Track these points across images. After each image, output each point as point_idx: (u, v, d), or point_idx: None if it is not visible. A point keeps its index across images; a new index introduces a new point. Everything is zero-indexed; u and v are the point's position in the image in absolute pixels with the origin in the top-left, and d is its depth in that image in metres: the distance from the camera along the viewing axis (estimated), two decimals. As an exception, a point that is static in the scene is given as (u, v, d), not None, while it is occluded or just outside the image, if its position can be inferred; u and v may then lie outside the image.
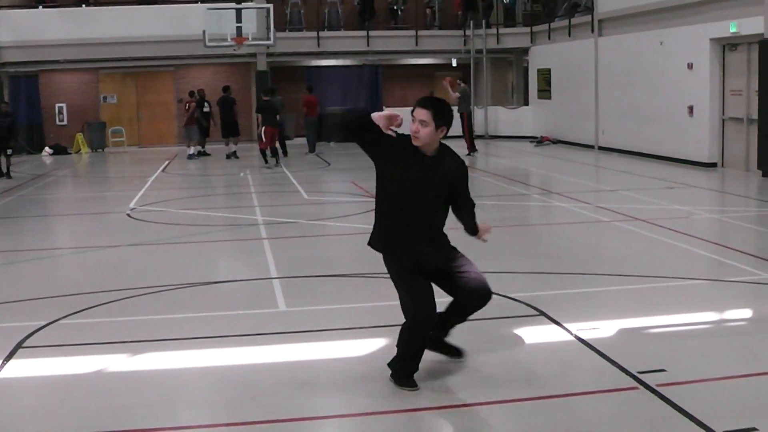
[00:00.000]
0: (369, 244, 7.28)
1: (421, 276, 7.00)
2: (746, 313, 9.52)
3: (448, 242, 7.18)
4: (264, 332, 8.70)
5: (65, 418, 6.64)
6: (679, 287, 10.39)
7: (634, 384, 6.99)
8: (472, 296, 7.04)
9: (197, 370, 7.74)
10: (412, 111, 6.86)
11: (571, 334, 8.38)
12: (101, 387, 7.33)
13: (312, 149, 31.16)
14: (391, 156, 6.92)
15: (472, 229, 7.25)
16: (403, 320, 7.06)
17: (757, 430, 6.08)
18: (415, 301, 6.90)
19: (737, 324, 9.09)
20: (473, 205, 7.25)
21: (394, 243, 7.07)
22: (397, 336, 7.13)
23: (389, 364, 7.22)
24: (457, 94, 28.82)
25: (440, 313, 7.20)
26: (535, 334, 8.53)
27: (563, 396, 6.82)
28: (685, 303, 9.67)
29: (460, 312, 7.27)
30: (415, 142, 6.84)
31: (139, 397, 7.03)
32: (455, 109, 28.46)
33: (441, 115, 6.82)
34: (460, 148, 28.65)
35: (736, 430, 6.07)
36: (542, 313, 9.06)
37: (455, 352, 7.59)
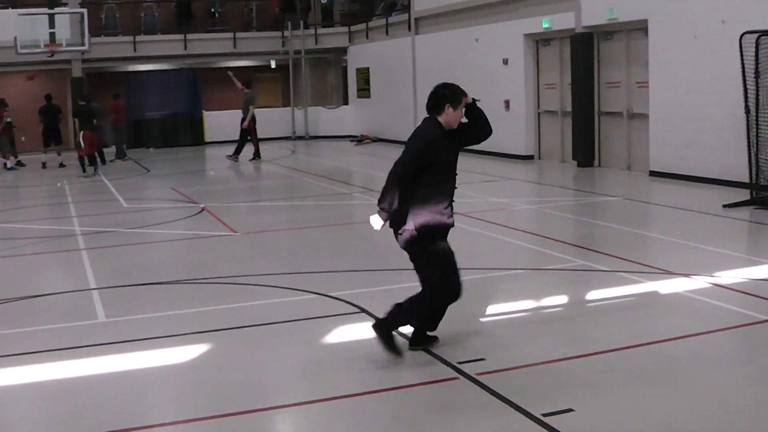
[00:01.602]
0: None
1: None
2: (563, 299, 9.78)
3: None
4: (84, 344, 8.51)
5: None
6: (499, 277, 10.62)
7: (455, 374, 7.12)
8: None
9: (17, 387, 7.51)
10: (460, 101, 7.54)
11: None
12: None
13: (122, 155, 30.47)
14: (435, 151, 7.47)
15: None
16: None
17: (573, 410, 6.27)
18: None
19: (555, 310, 9.34)
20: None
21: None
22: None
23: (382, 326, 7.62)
24: (245, 90, 28.26)
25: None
26: (356, 331, 8.56)
27: (386, 390, 6.90)
28: (505, 293, 9.90)
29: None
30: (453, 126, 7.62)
31: (-46, 418, 6.80)
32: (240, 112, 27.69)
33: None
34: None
35: (554, 412, 6.26)
36: (363, 310, 9.14)
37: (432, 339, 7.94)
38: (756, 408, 6.33)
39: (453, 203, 7.62)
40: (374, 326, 7.62)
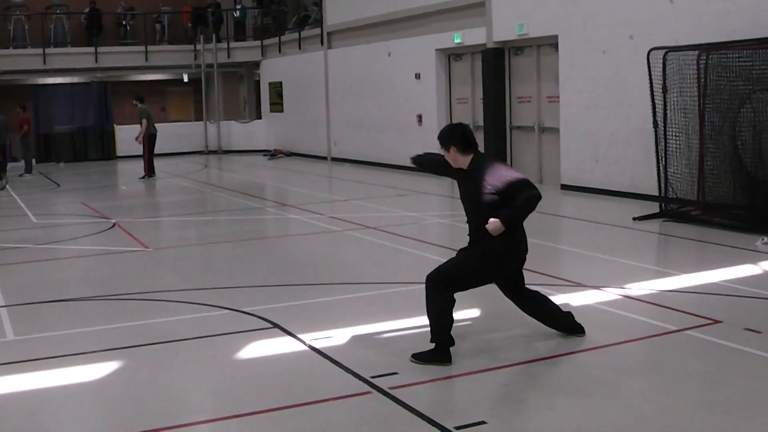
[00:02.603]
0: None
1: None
2: (475, 312, 9.80)
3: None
4: (-9, 363, 8.35)
5: None
6: (411, 291, 10.60)
7: (368, 389, 7.12)
8: None
9: None
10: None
11: (305, 344, 8.45)
12: None
13: (29, 169, 29.94)
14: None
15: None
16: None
17: (486, 423, 6.31)
18: None
19: (466, 323, 9.33)
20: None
21: None
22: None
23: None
24: (139, 106, 27.69)
25: None
26: (269, 346, 8.52)
27: (298, 406, 6.85)
28: (416, 306, 9.85)
29: None
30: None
31: None
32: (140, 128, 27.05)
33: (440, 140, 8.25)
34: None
35: (467, 425, 6.28)
36: (276, 326, 9.09)
37: None
38: (662, 416, 6.43)
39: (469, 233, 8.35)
40: None
